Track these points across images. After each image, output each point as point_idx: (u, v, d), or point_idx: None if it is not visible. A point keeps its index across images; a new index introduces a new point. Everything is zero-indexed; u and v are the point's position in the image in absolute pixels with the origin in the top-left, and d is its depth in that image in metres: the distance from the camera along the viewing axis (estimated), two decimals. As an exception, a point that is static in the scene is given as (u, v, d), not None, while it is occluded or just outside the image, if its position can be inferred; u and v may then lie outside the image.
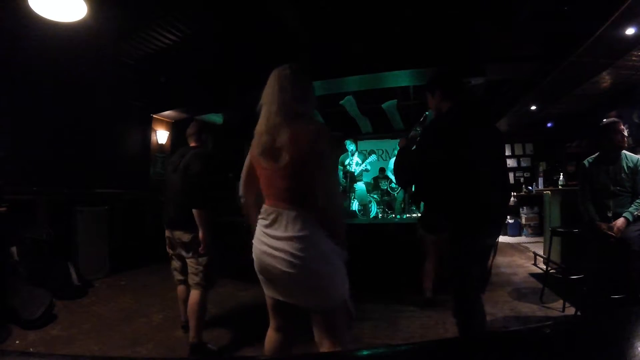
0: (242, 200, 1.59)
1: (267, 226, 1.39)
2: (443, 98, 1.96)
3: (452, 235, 1.87)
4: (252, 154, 1.45)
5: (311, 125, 1.37)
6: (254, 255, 1.45)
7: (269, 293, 1.48)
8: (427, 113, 2.18)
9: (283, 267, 1.32)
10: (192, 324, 2.40)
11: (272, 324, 1.55)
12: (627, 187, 2.73)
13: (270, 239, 1.37)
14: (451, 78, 2.04)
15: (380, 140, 8.47)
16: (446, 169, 1.82)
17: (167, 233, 2.56)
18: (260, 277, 1.46)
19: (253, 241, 1.46)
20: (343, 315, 1.41)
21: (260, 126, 1.41)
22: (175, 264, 2.63)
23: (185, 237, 2.42)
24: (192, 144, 2.61)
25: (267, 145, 1.37)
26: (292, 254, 1.31)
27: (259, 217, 1.44)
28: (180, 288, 2.69)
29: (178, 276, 2.66)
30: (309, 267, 1.32)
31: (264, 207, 1.43)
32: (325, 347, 1.39)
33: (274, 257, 1.34)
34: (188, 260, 2.47)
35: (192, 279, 2.44)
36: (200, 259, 2.42)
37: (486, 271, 1.99)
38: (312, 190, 1.34)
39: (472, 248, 1.81)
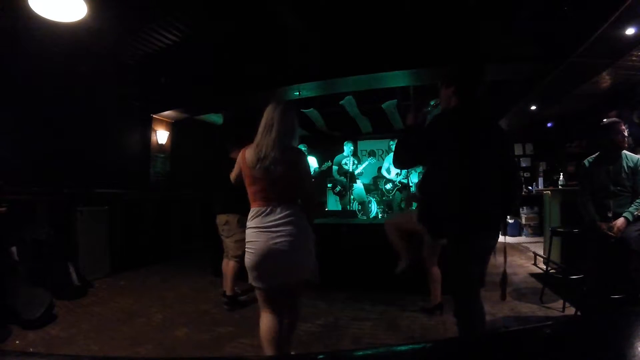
0: None
1: (263, 218, 1.83)
2: (455, 93, 1.92)
3: (453, 235, 1.87)
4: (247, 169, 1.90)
5: (295, 150, 1.93)
6: (252, 251, 1.82)
7: (264, 285, 1.86)
8: (432, 102, 2.14)
9: (281, 247, 1.77)
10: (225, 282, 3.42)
11: (266, 310, 1.92)
12: (627, 187, 2.73)
13: (267, 228, 1.80)
14: (472, 78, 2.00)
15: (380, 140, 8.47)
16: (447, 167, 1.81)
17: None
18: (256, 271, 1.83)
19: (248, 240, 1.86)
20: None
21: (259, 150, 1.86)
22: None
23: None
24: None
25: (264, 164, 1.84)
26: (287, 234, 1.79)
27: (251, 216, 1.87)
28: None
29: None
30: (299, 243, 1.82)
31: (256, 207, 1.86)
32: (290, 308, 1.98)
33: (274, 240, 1.78)
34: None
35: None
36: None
37: (485, 271, 1.97)
38: (295, 191, 1.89)
39: (473, 248, 1.81)
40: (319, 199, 1.84)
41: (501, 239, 1.97)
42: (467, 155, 1.79)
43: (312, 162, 6.82)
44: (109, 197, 4.93)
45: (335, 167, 6.67)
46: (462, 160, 1.79)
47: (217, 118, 6.93)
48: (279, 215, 1.81)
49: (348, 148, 6.69)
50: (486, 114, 2.05)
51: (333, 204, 7.66)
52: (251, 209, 1.88)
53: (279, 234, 1.78)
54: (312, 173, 1.98)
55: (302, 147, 6.72)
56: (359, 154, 8.51)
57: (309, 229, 1.88)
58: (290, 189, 1.86)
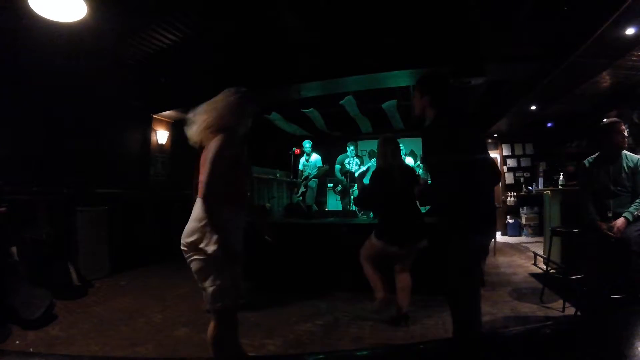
0: None
1: None
2: (431, 104, 1.97)
3: (457, 236, 1.85)
4: None
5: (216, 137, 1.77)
6: None
7: None
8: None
9: None
10: None
11: None
12: (627, 187, 2.73)
13: None
14: (443, 85, 2.05)
15: (380, 140, 8.46)
16: (451, 172, 1.82)
17: None
18: None
19: None
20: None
21: None
22: None
23: None
24: None
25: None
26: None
27: None
28: None
29: None
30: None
31: None
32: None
33: None
34: None
35: None
36: None
37: (483, 270, 2.00)
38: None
39: (477, 247, 1.81)
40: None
41: (501, 239, 2.00)
42: (465, 157, 1.81)
43: (317, 159, 6.83)
44: (109, 197, 4.93)
45: (337, 167, 6.68)
46: (462, 161, 1.80)
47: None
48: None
49: (351, 149, 6.71)
50: (466, 117, 2.10)
51: (333, 203, 7.66)
52: None
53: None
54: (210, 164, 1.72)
55: (307, 143, 6.70)
56: (359, 154, 8.51)
57: (201, 222, 1.79)
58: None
